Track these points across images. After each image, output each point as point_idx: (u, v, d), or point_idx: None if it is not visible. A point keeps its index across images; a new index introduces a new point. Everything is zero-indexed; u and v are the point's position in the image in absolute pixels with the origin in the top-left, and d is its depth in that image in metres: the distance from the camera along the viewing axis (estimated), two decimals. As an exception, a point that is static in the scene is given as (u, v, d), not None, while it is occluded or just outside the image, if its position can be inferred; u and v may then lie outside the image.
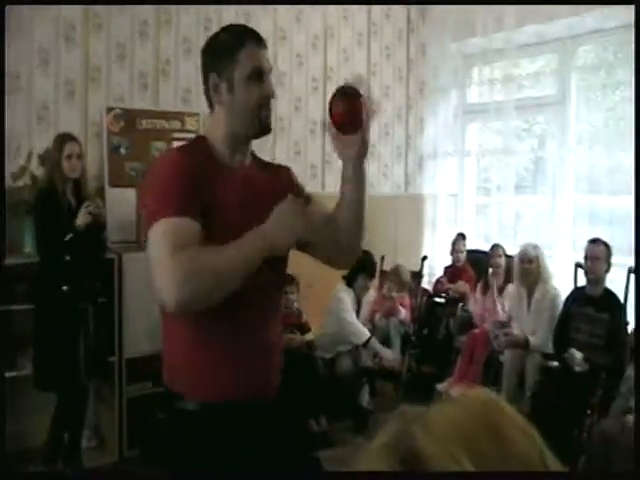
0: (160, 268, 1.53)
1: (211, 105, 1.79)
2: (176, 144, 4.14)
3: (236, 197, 1.73)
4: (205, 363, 1.71)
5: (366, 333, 4.74)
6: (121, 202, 4.48)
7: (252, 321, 1.75)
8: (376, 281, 5.21)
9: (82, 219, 3.60)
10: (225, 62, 1.71)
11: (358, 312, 4.94)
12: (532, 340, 4.44)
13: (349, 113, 1.73)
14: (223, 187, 1.72)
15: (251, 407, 1.73)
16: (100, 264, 3.86)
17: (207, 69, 1.75)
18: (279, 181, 1.90)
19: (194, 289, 1.51)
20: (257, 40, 1.75)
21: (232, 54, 1.71)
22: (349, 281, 4.86)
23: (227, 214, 1.69)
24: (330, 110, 1.74)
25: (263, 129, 1.78)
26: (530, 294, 4.63)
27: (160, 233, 1.57)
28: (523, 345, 4.45)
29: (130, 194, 4.48)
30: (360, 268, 4.76)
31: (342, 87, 1.76)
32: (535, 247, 4.70)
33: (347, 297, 4.83)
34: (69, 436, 3.76)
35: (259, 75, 1.73)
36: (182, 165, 1.67)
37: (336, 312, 4.77)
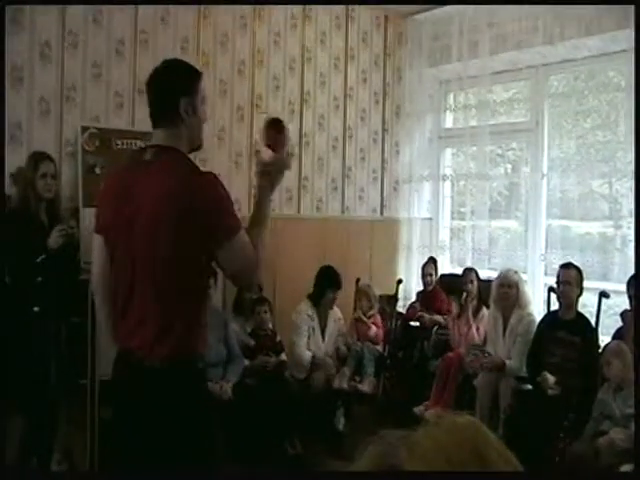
0: (252, 263, 2.11)
1: (171, 123, 2.14)
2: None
3: None
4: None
5: (305, 361, 4.73)
6: (95, 223, 4.43)
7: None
8: (345, 300, 5.21)
9: (55, 240, 3.56)
10: (191, 89, 2.16)
11: (324, 331, 4.93)
12: (508, 363, 4.46)
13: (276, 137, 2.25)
14: None
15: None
16: (73, 285, 3.81)
17: (177, 94, 2.13)
18: None
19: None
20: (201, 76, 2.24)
21: (194, 83, 2.17)
22: (315, 298, 4.87)
23: None
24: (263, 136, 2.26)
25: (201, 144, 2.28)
26: (506, 319, 4.66)
27: (245, 241, 2.09)
28: (501, 367, 4.47)
29: (104, 214, 4.43)
30: (325, 283, 4.87)
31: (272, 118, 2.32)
32: (516, 272, 4.75)
33: (303, 320, 4.83)
34: (38, 458, 3.68)
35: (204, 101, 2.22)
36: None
37: (290, 336, 4.80)
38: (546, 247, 5.42)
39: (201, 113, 2.19)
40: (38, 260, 3.50)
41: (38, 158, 3.71)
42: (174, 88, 2.15)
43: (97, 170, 4.54)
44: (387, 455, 0.70)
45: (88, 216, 4.43)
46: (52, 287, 3.58)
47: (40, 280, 3.53)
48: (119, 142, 4.62)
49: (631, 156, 4.66)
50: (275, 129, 2.26)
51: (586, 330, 4.20)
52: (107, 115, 4.71)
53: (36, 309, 3.53)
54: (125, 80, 4.75)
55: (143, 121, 4.74)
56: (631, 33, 4.31)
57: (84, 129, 4.52)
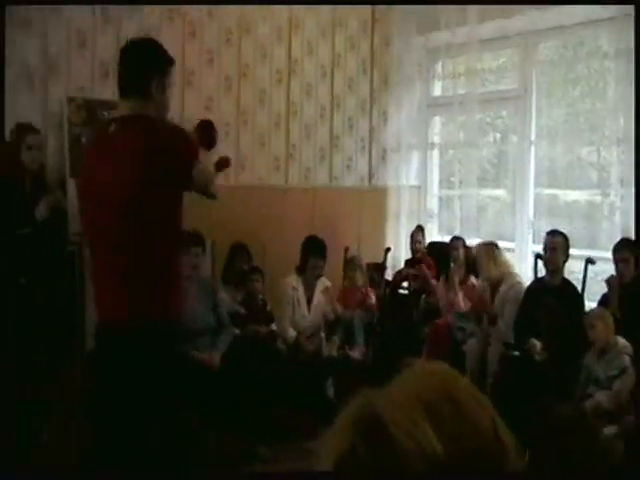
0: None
1: (140, 95, 2.32)
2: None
3: None
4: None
5: (289, 337, 4.77)
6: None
7: None
8: (334, 271, 5.23)
9: (42, 212, 3.55)
10: (164, 70, 2.38)
11: (310, 301, 4.94)
12: (499, 322, 4.52)
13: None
14: None
15: None
16: (61, 256, 3.80)
17: (152, 69, 2.33)
18: None
19: None
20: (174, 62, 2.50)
21: (168, 66, 2.40)
22: (300, 268, 4.90)
23: None
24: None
25: None
26: (494, 287, 4.70)
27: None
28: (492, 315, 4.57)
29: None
30: (307, 250, 4.87)
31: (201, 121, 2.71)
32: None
33: (286, 293, 4.86)
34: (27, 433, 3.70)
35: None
36: None
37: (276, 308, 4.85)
38: (534, 215, 5.44)
39: (168, 95, 2.42)
40: (25, 232, 3.48)
41: (23, 130, 3.67)
42: (149, 64, 2.32)
43: (83, 141, 4.51)
44: (366, 405, 0.73)
45: (75, 187, 4.42)
46: (39, 259, 3.57)
47: (27, 252, 3.51)
48: (105, 113, 4.57)
49: (619, 124, 4.69)
50: (204, 133, 2.61)
51: (572, 295, 4.24)
52: (92, 86, 4.66)
53: (23, 281, 3.52)
54: (110, 49, 4.69)
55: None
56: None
57: (70, 100, 4.48)
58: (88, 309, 4.00)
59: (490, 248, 4.79)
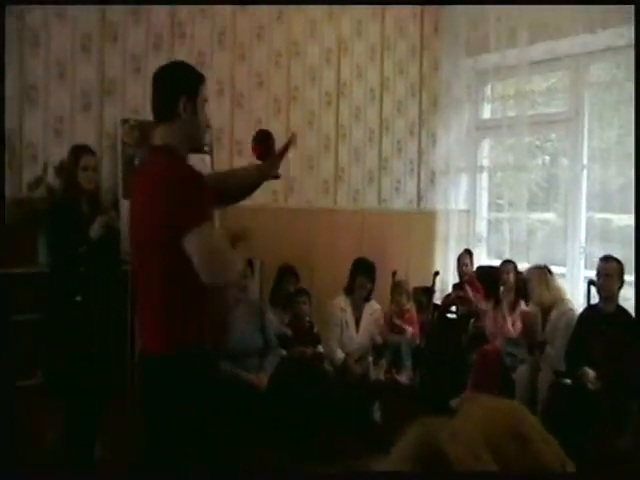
0: (219, 256, 2.24)
1: (168, 120, 2.27)
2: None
3: None
4: None
5: (337, 358, 4.75)
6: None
7: None
8: (382, 295, 5.20)
9: (96, 231, 3.62)
10: (192, 90, 2.29)
11: (358, 323, 4.93)
12: (549, 349, 4.42)
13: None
14: None
15: None
16: (114, 275, 3.87)
17: (177, 92, 2.26)
18: None
19: None
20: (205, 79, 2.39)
21: (196, 85, 2.30)
22: (348, 289, 4.91)
23: None
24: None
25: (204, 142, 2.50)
26: (545, 314, 4.61)
27: (210, 234, 2.22)
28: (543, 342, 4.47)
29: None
30: (355, 270, 4.90)
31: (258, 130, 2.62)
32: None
33: (335, 315, 4.87)
34: (82, 443, 3.75)
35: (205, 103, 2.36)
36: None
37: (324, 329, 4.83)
38: (586, 240, 5.33)
39: (201, 115, 2.31)
40: (80, 250, 3.56)
41: (80, 151, 3.76)
42: (175, 87, 2.28)
43: (136, 162, 4.60)
44: (428, 437, 0.71)
45: (127, 207, 4.50)
46: (94, 277, 3.64)
47: (82, 270, 3.59)
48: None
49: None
50: (260, 141, 2.54)
51: (627, 323, 4.13)
52: (146, 107, 4.74)
53: (78, 298, 3.59)
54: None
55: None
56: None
57: (124, 121, 4.58)
58: (139, 328, 4.06)
59: (543, 272, 4.70)
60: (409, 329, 5.09)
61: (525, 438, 0.69)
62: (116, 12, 4.59)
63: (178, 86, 2.28)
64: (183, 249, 2.12)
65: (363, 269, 4.91)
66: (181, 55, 4.69)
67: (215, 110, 4.97)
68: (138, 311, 2.35)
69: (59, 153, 4.18)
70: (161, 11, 4.77)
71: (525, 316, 4.79)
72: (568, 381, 4.27)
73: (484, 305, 5.21)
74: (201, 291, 2.24)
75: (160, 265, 2.18)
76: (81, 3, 4.44)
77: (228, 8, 5.08)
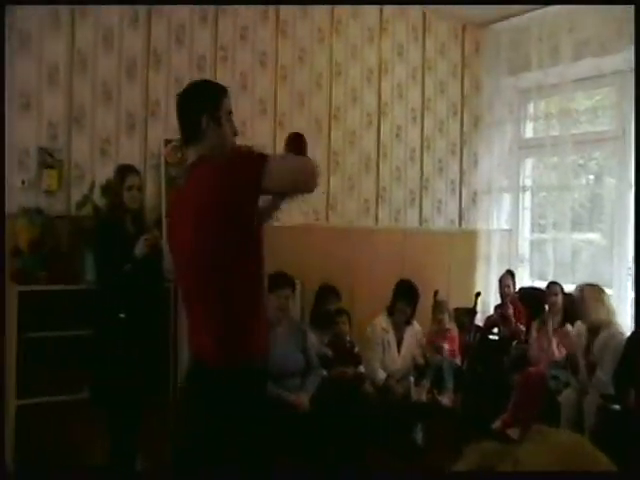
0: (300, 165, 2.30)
1: (197, 140, 2.28)
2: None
3: None
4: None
5: (378, 379, 4.71)
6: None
7: None
8: (424, 314, 5.16)
9: (140, 249, 3.66)
10: (213, 106, 2.29)
11: (400, 344, 4.90)
12: (598, 372, 4.30)
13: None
14: None
15: None
16: (158, 293, 3.91)
17: (199, 113, 2.26)
18: None
19: None
20: (226, 91, 2.38)
21: (216, 100, 2.30)
22: (390, 309, 4.89)
23: None
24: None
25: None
26: (592, 335, 4.49)
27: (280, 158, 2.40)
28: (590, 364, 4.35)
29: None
30: (398, 294, 4.88)
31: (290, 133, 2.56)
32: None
33: (377, 334, 4.83)
34: (125, 452, 3.77)
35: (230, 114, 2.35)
36: None
37: (365, 351, 4.80)
38: (634, 261, 5.20)
39: (226, 127, 2.31)
40: (125, 268, 3.61)
41: (124, 171, 3.83)
42: (196, 108, 2.28)
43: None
44: (487, 464, 0.69)
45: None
46: (138, 295, 3.68)
47: (127, 288, 3.63)
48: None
49: None
50: (293, 144, 2.48)
51: (679, 347, 4.01)
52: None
53: (122, 315, 3.63)
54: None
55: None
56: None
57: (167, 142, 4.65)
58: (182, 344, 4.09)
59: (597, 290, 4.56)
60: (446, 346, 5.03)
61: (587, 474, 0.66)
62: (160, 37, 4.68)
63: (199, 106, 2.28)
64: (244, 263, 2.18)
65: (404, 293, 4.89)
66: (223, 76, 4.77)
67: (258, 129, 5.02)
68: (192, 327, 2.35)
69: (105, 173, 4.26)
70: (204, 33, 4.85)
71: (570, 337, 4.68)
72: (617, 406, 4.16)
73: (523, 327, 5.12)
74: (260, 306, 2.30)
75: (224, 281, 2.19)
76: (82, 3, 4.43)
77: (269, 32, 5.13)
